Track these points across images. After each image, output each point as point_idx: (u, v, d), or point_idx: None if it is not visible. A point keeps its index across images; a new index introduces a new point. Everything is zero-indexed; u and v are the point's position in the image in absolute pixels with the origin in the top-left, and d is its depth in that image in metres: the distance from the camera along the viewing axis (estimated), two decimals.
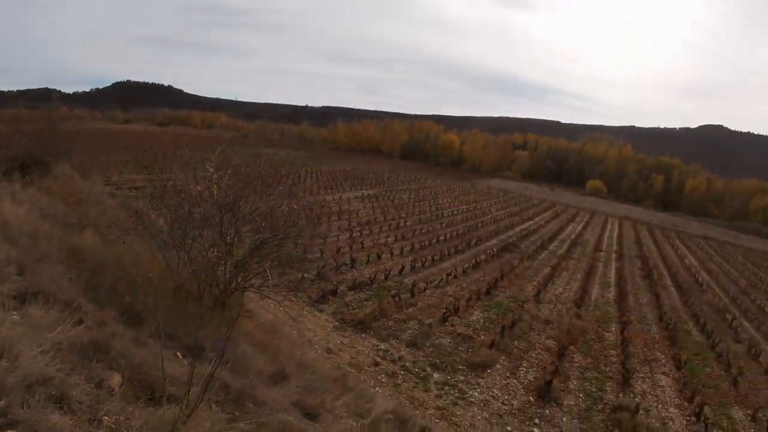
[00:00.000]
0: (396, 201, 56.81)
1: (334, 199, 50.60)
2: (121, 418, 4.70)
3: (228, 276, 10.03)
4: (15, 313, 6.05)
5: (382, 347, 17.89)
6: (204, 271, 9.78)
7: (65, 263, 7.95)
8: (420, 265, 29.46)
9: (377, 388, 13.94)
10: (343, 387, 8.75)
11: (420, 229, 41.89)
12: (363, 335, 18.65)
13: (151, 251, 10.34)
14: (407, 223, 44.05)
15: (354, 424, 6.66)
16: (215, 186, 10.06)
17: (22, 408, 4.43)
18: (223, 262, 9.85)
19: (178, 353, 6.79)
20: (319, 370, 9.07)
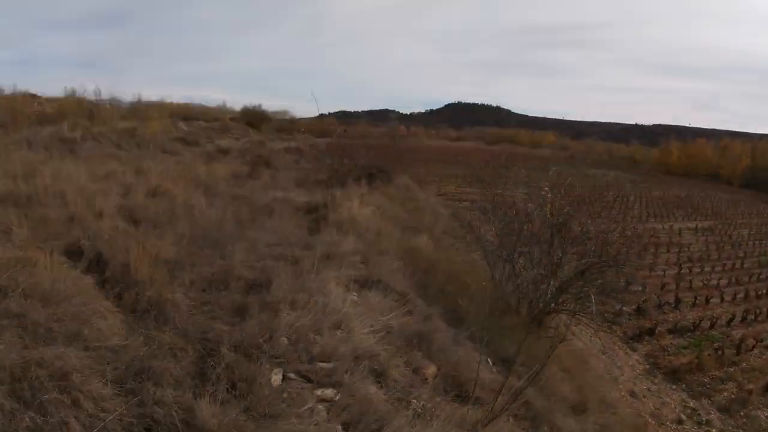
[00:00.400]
0: (733, 237, 48.98)
1: (663, 229, 46.00)
2: (428, 405, 4.94)
3: (549, 296, 9.76)
4: (355, 294, 6.70)
5: (691, 405, 15.63)
6: (526, 287, 9.67)
7: (402, 260, 8.61)
8: (753, 317, 24.97)
9: None
10: None
11: (759, 274, 35.43)
12: (673, 386, 16.51)
13: (478, 261, 10.62)
14: (744, 265, 37.79)
15: None
16: (548, 206, 9.83)
17: (346, 374, 4.93)
18: (546, 281, 9.60)
19: (490, 360, 6.96)
20: (620, 413, 8.34)
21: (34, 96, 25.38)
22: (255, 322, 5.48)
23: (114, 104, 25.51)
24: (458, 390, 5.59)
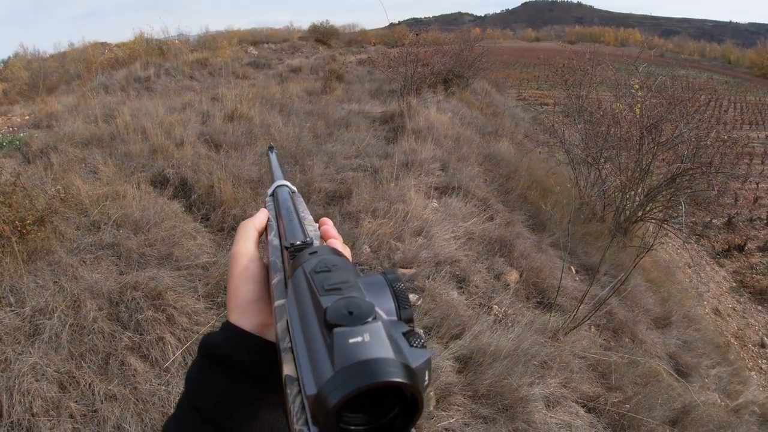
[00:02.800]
0: None
1: (758, 138, 43.10)
2: (509, 311, 4.97)
3: (636, 203, 9.31)
4: (435, 201, 6.63)
5: None
6: (612, 194, 9.26)
7: (482, 166, 8.44)
8: None
9: (753, 373, 11.67)
10: (722, 357, 7.67)
11: None
12: (759, 307, 15.59)
13: (561, 165, 10.25)
14: None
15: (719, 401, 6.03)
16: (638, 106, 9.22)
17: (428, 279, 5.01)
18: (633, 187, 9.13)
19: (572, 268, 6.85)
20: (703, 330, 8.05)
21: (103, 44, 26.06)
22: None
23: (182, 39, 25.94)
24: (540, 297, 5.58)
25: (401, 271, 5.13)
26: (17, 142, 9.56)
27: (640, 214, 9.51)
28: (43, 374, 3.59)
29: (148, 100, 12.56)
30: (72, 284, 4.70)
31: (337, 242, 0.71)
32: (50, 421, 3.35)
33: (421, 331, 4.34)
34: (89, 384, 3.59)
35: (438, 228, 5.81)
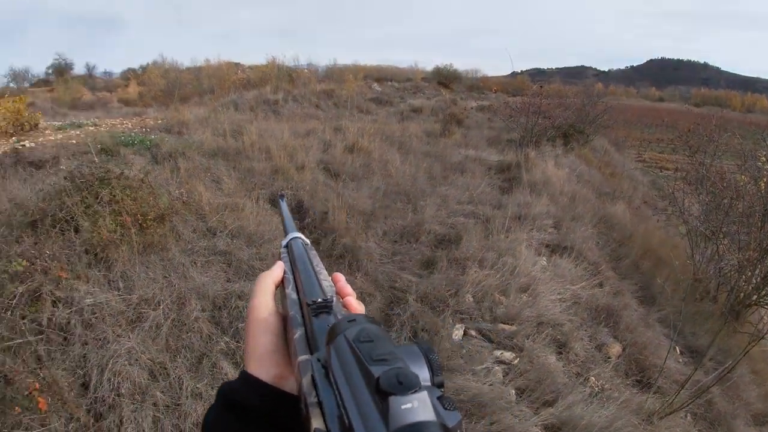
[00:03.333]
0: None
1: None
2: (607, 385, 4.76)
3: (752, 285, 8.70)
4: (545, 259, 6.54)
5: None
6: (729, 272, 8.71)
7: (596, 228, 8.23)
8: None
9: None
10: None
11: None
12: None
13: (678, 236, 9.81)
14: None
15: None
16: (763, 180, 8.70)
17: (527, 339, 4.90)
18: (751, 268, 8.55)
19: (678, 348, 6.48)
20: None
21: (237, 64, 27.69)
22: (442, 276, 5.66)
23: (311, 68, 27.13)
24: (640, 375, 5.32)
25: (501, 326, 5.10)
26: (148, 143, 10.32)
27: (754, 297, 8.88)
28: (137, 360, 3.82)
29: (275, 122, 13.15)
30: (181, 282, 5.03)
31: (352, 299, 0.76)
32: (134, 404, 3.54)
33: (514, 391, 4.29)
34: (179, 378, 3.79)
35: (544, 287, 5.70)
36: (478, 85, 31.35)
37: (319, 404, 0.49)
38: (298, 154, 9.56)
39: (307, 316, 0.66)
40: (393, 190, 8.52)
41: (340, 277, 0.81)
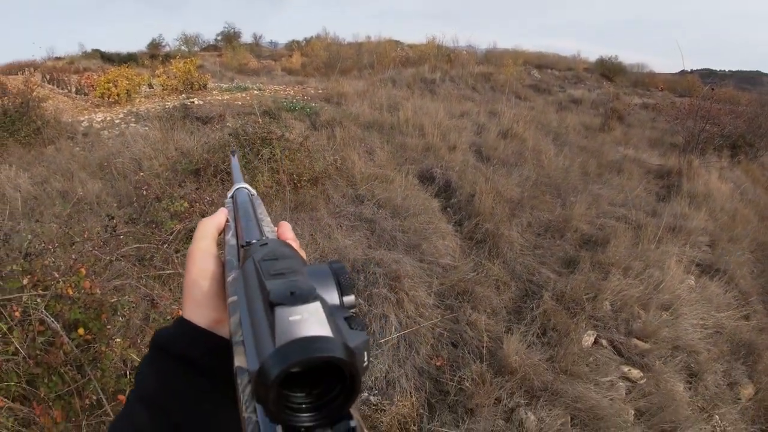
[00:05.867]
0: None
1: None
2: (729, 428, 4.42)
3: None
4: (693, 279, 6.20)
5: None
6: None
7: (754, 254, 7.62)
8: None
9: None
10: None
11: None
12: None
13: None
14: None
15: None
16: None
17: (659, 360, 4.69)
18: None
19: None
20: None
21: (397, 42, 28.20)
22: (582, 278, 5.51)
23: (470, 50, 26.99)
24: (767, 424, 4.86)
25: (635, 341, 4.91)
26: (308, 110, 10.94)
27: None
28: None
29: (431, 101, 13.30)
30: (325, 241, 5.36)
31: (294, 244, 0.72)
32: None
33: (633, 411, 4.16)
34: None
35: (688, 309, 5.37)
36: (643, 80, 29.48)
37: (243, 343, 0.46)
38: (450, 134, 9.66)
39: (242, 259, 0.64)
40: (543, 182, 8.34)
41: (285, 224, 0.78)
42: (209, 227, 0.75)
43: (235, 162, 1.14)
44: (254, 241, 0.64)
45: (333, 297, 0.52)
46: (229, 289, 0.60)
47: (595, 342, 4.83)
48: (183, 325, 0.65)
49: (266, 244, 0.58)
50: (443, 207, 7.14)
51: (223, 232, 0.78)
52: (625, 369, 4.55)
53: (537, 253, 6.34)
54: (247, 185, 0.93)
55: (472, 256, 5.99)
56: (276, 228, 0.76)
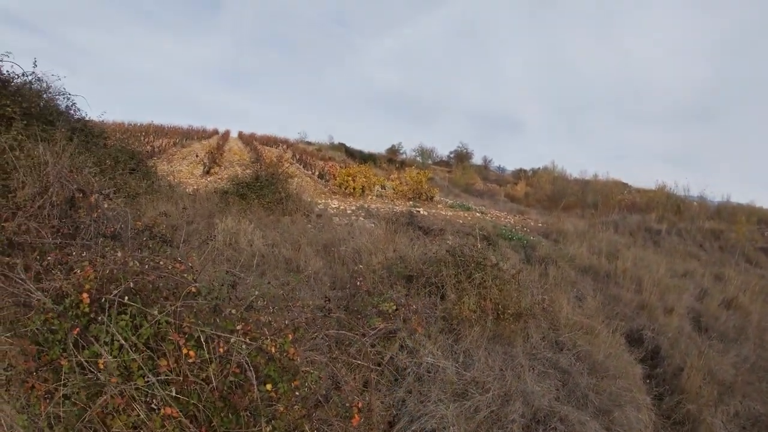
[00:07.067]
0: None
1: None
2: None
3: None
4: None
5: None
6: None
7: None
8: None
9: None
10: None
11: None
12: None
13: None
14: None
15: None
16: None
17: None
18: None
19: None
20: None
21: (624, 184, 27.76)
22: None
23: (701, 202, 25.67)
24: None
25: None
26: (525, 242, 11.31)
27: None
28: (444, 428, 4.26)
29: (653, 253, 12.87)
30: (513, 380, 5.19)
31: None
32: None
33: None
34: None
35: None
36: None
37: None
38: (669, 294, 9.24)
39: None
40: (763, 366, 7.45)
41: None
42: None
43: None
44: None
45: None
46: None
47: None
48: None
49: None
50: (646, 375, 6.68)
51: None
52: None
53: None
54: None
55: None
56: None
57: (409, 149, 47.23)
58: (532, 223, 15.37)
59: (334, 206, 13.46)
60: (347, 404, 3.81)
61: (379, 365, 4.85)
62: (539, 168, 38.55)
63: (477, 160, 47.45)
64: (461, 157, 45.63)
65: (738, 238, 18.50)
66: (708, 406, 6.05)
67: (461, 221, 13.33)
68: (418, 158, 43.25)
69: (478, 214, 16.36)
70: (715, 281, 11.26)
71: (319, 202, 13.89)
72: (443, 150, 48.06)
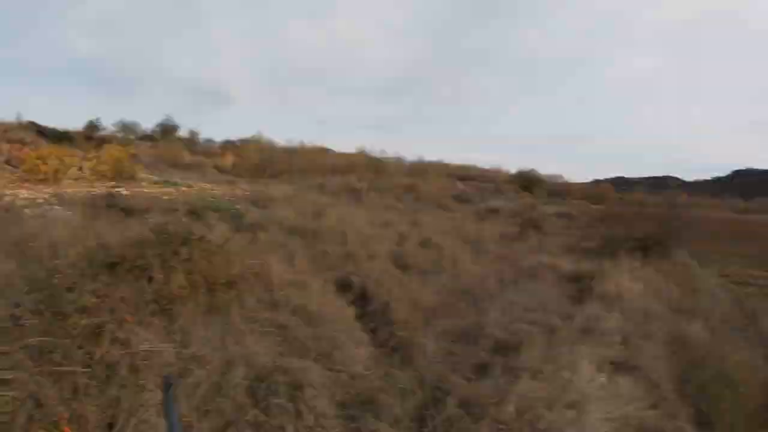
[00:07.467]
0: None
1: None
2: None
3: None
4: (604, 376, 6.22)
5: None
6: None
7: (667, 347, 7.81)
8: None
9: None
10: None
11: None
12: None
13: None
14: None
15: None
16: None
17: None
18: None
19: None
20: None
21: (328, 150, 29.31)
22: (491, 383, 5.47)
23: (397, 162, 28.12)
24: None
25: None
26: (233, 211, 11.02)
27: None
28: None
29: (355, 209, 13.64)
30: (234, 347, 5.15)
31: None
32: None
33: None
34: None
35: (594, 405, 5.43)
36: (559, 190, 31.26)
37: None
38: (372, 242, 9.82)
39: None
40: (459, 289, 8.45)
41: None
42: None
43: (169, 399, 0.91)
44: None
45: None
46: None
47: None
48: None
49: None
50: (359, 315, 7.10)
51: None
52: None
53: (450, 359, 6.26)
54: None
55: (385, 364, 5.90)
56: None
57: (110, 125, 43.05)
58: (240, 193, 15.21)
59: (23, 197, 11.54)
60: (53, 419, 3.45)
61: (89, 366, 4.31)
62: (247, 138, 38.31)
63: (183, 133, 45.10)
64: (167, 130, 43.01)
65: (431, 189, 20.50)
66: (417, 330, 6.67)
67: (167, 198, 12.46)
68: (119, 134, 39.66)
69: (184, 188, 15.48)
70: (411, 227, 12.21)
71: (7, 193, 11.83)
72: (148, 124, 44.86)
